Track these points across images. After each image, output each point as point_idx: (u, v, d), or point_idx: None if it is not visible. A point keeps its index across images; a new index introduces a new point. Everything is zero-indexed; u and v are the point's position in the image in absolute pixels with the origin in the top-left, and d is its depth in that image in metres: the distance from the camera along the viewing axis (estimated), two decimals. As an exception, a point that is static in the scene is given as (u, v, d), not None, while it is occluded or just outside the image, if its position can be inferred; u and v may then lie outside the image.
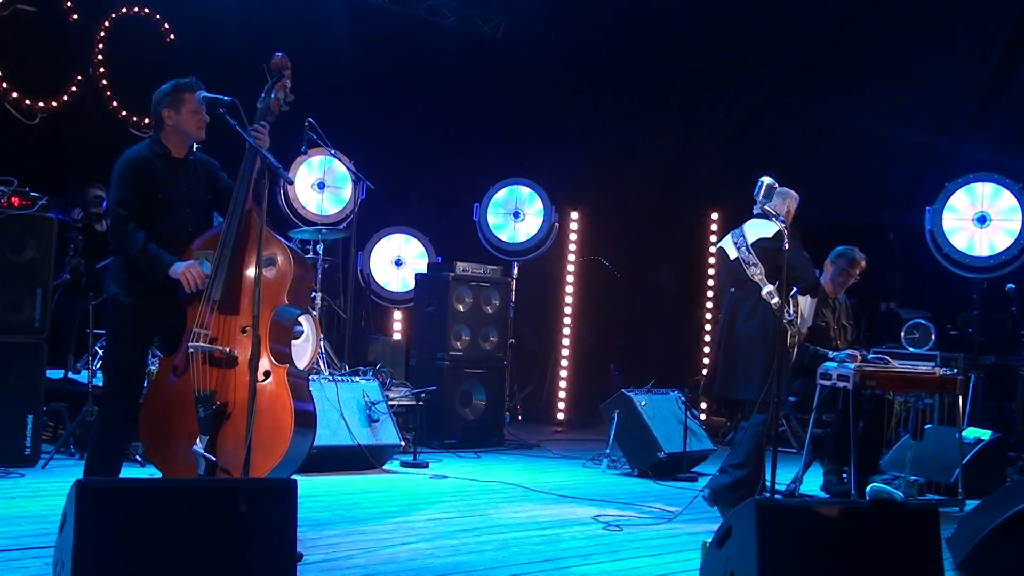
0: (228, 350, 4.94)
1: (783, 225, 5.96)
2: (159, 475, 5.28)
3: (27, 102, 9.41)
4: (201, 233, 5.17)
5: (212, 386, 4.91)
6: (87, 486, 3.57)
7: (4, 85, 9.28)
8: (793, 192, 6.48)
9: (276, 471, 4.85)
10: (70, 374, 7.53)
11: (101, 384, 5.46)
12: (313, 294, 8.48)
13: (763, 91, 11.43)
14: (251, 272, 4.99)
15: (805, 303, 6.34)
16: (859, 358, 6.83)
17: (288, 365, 5.07)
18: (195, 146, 5.35)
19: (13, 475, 6.36)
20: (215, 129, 5.23)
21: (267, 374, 4.94)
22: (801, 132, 11.02)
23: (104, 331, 6.11)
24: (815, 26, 11.00)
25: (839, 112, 10.62)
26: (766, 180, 6.10)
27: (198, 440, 4.85)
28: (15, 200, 6.68)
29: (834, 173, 10.54)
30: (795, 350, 6.38)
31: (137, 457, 6.77)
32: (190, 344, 4.93)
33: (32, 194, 6.77)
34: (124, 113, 9.96)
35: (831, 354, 6.96)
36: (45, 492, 5.99)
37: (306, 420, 5.09)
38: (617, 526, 5.89)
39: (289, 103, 5.23)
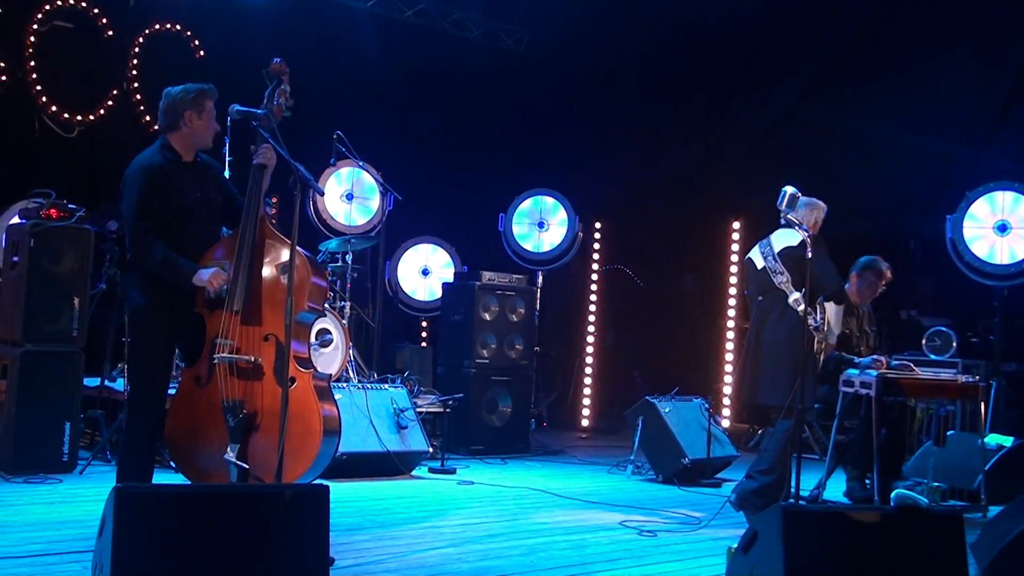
0: (253, 359, 4.93)
1: (807, 235, 5.94)
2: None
3: (65, 116, 9.51)
4: (216, 239, 5.14)
5: (239, 395, 4.92)
6: (126, 492, 3.60)
7: (43, 99, 9.38)
8: (821, 203, 6.47)
9: (306, 475, 4.88)
10: (106, 382, 7.58)
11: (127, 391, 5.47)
12: (342, 303, 8.51)
13: (784, 101, 11.38)
14: (270, 280, 5.01)
15: (831, 310, 6.32)
16: (884, 364, 6.81)
17: (312, 370, 5.10)
18: None
19: (51, 481, 6.42)
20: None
21: (292, 380, 4.92)
22: (822, 142, 10.97)
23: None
24: (834, 36, 10.96)
25: (860, 121, 10.56)
26: (789, 190, 6.08)
27: (228, 449, 4.86)
28: (53, 212, 6.75)
29: (855, 182, 10.47)
30: (822, 356, 6.37)
31: (171, 463, 6.79)
32: (215, 356, 4.92)
33: (70, 206, 6.84)
34: (156, 127, 10.00)
35: (856, 360, 6.93)
36: (83, 497, 6.04)
37: (332, 424, 5.11)
38: (651, 532, 5.88)
39: (290, 108, 5.16)
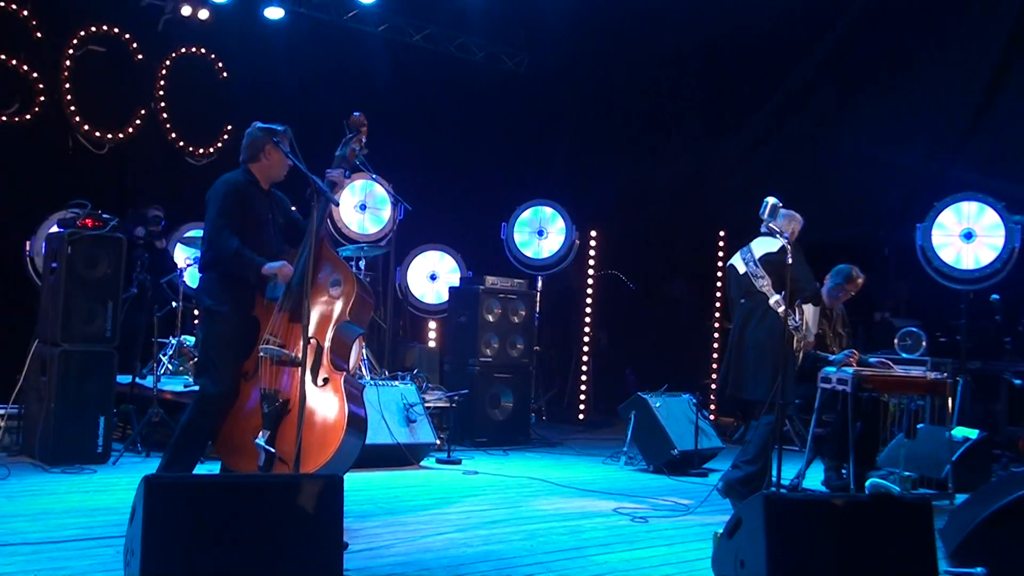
0: (294, 355, 5.06)
1: (786, 241, 5.97)
2: (217, 469, 5.35)
3: (97, 134, 9.52)
4: (276, 256, 5.30)
5: (277, 386, 5.07)
6: (154, 481, 3.61)
7: (77, 119, 9.39)
8: (798, 215, 6.52)
9: (328, 467, 4.90)
10: (137, 379, 7.59)
11: (196, 387, 5.49)
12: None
13: (766, 119, 11.39)
14: (320, 290, 5.20)
15: (809, 311, 6.33)
16: (856, 355, 6.83)
17: (345, 373, 5.18)
18: None
19: (87, 471, 6.43)
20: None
21: (325, 380, 5.08)
22: (802, 156, 10.98)
23: (197, 338, 6.14)
24: (811, 58, 10.96)
25: (837, 137, 10.59)
26: (771, 200, 6.08)
27: (261, 433, 5.00)
28: (88, 221, 6.77)
29: (833, 193, 10.47)
30: (800, 354, 6.37)
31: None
32: (262, 348, 5.10)
33: (104, 216, 6.85)
34: (181, 144, 10.07)
35: (829, 356, 6.94)
36: (115, 487, 6.05)
37: (357, 423, 5.17)
38: (643, 518, 5.88)
39: (364, 153, 5.49)
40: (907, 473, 6.82)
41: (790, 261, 5.87)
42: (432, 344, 10.93)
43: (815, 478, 7.23)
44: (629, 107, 12.06)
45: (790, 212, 6.43)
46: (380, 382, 7.79)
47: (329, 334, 5.16)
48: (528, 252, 10.81)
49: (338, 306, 5.20)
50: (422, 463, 7.58)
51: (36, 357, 6.85)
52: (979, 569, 4.65)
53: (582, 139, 12.33)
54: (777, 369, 5.90)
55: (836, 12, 10.57)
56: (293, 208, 5.60)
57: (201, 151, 10.14)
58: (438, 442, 7.78)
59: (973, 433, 7.39)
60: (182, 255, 8.83)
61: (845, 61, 10.74)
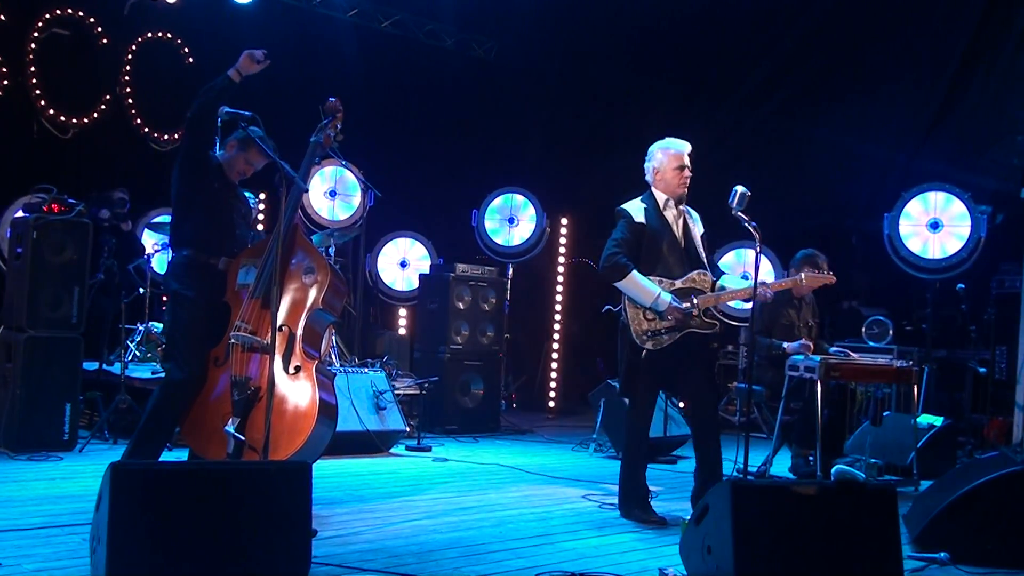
0: (265, 342, 5.02)
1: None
2: (186, 457, 5.32)
3: (61, 118, 9.42)
4: (243, 240, 5.31)
5: (248, 373, 5.03)
6: (121, 469, 3.59)
7: (42, 103, 9.29)
8: (672, 148, 6.20)
9: (299, 455, 4.89)
10: (104, 366, 7.54)
11: (163, 371, 5.44)
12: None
13: (737, 109, 11.44)
14: (293, 278, 5.16)
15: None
16: (811, 348, 6.85)
17: (316, 362, 5.16)
18: None
19: (53, 458, 6.38)
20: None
21: (298, 368, 5.04)
22: (772, 146, 11.04)
23: (164, 323, 6.08)
24: (781, 51, 11.02)
25: (807, 127, 10.66)
26: (739, 189, 6.07)
27: (230, 421, 4.95)
28: (55, 206, 6.70)
29: (802, 183, 10.55)
30: (648, 344, 5.82)
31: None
32: (232, 335, 5.05)
33: (70, 201, 6.79)
34: (146, 129, 9.98)
35: (784, 344, 6.96)
36: (82, 474, 6.00)
37: (328, 412, 5.15)
38: (611, 505, 5.88)
39: (339, 140, 5.43)
40: (873, 460, 6.89)
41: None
42: (402, 331, 10.92)
43: (782, 465, 7.29)
44: (599, 95, 12.07)
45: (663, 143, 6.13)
46: (350, 369, 7.77)
47: (301, 322, 5.12)
48: (499, 240, 10.81)
49: (311, 294, 5.16)
50: (392, 450, 7.58)
51: (1, 343, 6.78)
52: (942, 554, 4.73)
53: (553, 127, 12.33)
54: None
55: (805, 5, 10.62)
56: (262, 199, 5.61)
57: (166, 137, 10.05)
58: (408, 429, 7.78)
59: (938, 421, 7.48)
60: (150, 241, 8.76)
61: (814, 53, 10.81)
